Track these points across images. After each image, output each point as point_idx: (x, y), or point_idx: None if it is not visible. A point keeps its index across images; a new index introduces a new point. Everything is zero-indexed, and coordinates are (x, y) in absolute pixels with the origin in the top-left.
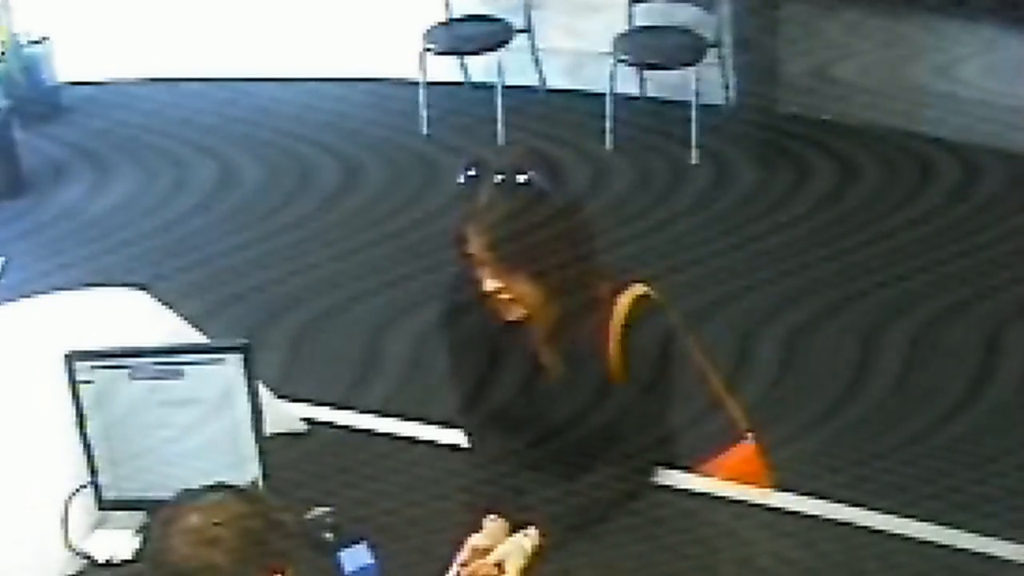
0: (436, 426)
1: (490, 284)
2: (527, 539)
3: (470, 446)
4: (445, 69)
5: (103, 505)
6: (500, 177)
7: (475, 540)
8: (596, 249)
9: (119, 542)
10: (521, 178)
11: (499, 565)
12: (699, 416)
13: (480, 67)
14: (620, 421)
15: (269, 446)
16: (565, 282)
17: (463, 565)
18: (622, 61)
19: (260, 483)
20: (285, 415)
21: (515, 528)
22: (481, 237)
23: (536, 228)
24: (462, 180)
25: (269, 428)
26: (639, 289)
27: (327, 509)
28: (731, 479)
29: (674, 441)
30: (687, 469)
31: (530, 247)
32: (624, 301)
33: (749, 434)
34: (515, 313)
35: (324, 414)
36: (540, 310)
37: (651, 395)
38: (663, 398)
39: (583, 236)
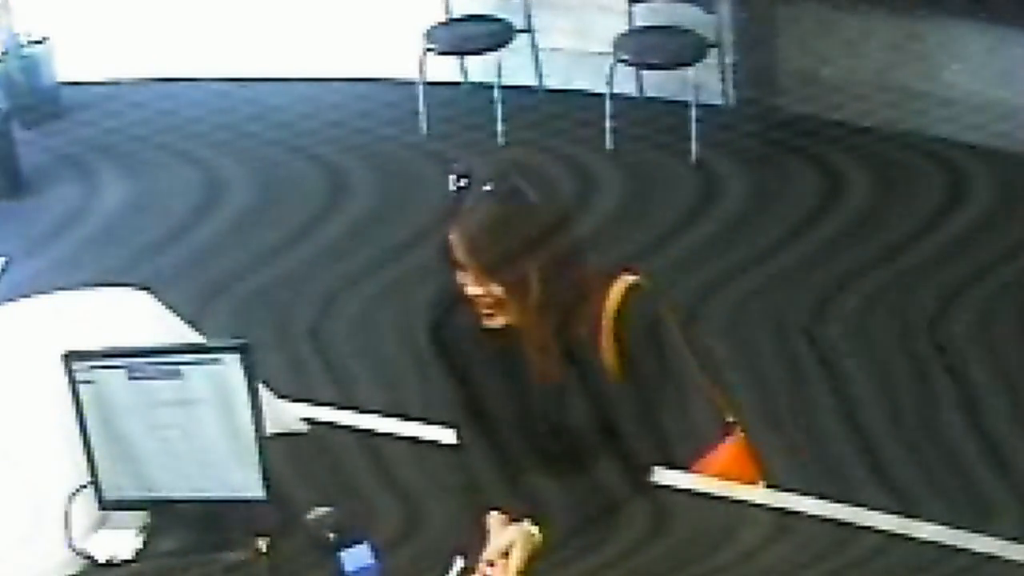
0: (436, 426)
1: (473, 292)
2: (531, 528)
3: (462, 450)
4: (445, 69)
5: (104, 505)
6: (487, 187)
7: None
8: (582, 255)
9: (120, 542)
10: (506, 188)
11: (505, 553)
12: (691, 411)
13: (480, 67)
14: (617, 415)
15: (269, 446)
16: (549, 292)
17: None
18: (622, 61)
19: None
20: (285, 415)
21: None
22: (465, 246)
23: (520, 238)
24: (452, 189)
25: (269, 428)
26: (629, 278)
27: (327, 509)
28: (722, 475)
29: (671, 433)
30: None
31: (514, 257)
32: (615, 291)
33: (736, 429)
34: (498, 321)
35: (324, 414)
36: (524, 318)
37: (647, 385)
38: (659, 387)
39: (568, 245)
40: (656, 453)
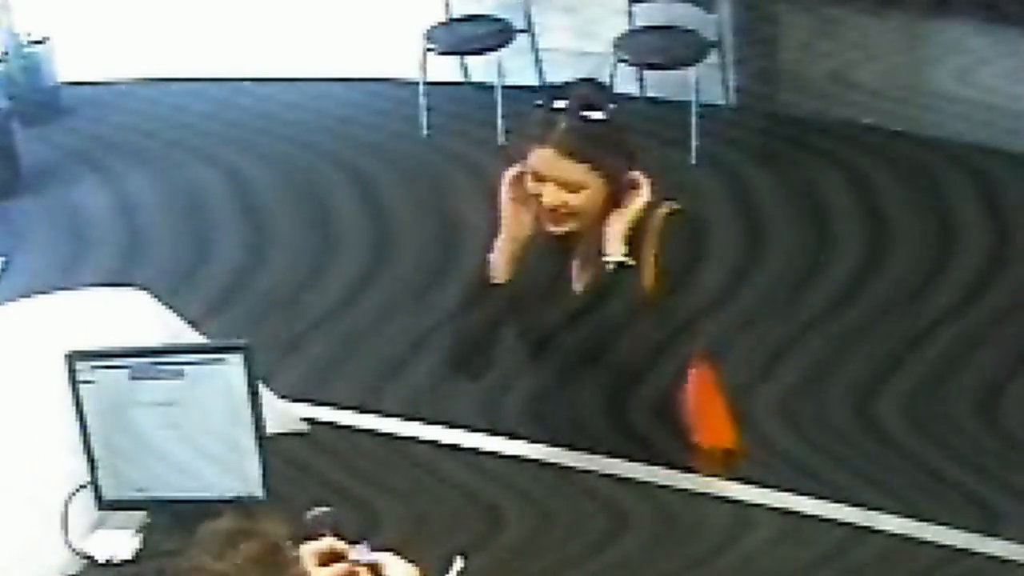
0: (437, 426)
1: (549, 202)
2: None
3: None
4: (445, 69)
5: (103, 505)
6: (575, 104)
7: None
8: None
9: (119, 542)
10: (590, 108)
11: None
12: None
13: (480, 67)
14: (653, 329)
15: (270, 446)
16: (618, 193)
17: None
18: (622, 61)
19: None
20: (286, 415)
21: None
22: (559, 154)
23: (606, 147)
24: (538, 104)
25: (270, 428)
26: (670, 204)
27: (327, 509)
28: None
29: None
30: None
31: (596, 162)
32: (658, 216)
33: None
34: (564, 228)
35: (325, 414)
36: (593, 219)
37: (676, 303)
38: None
39: (634, 154)
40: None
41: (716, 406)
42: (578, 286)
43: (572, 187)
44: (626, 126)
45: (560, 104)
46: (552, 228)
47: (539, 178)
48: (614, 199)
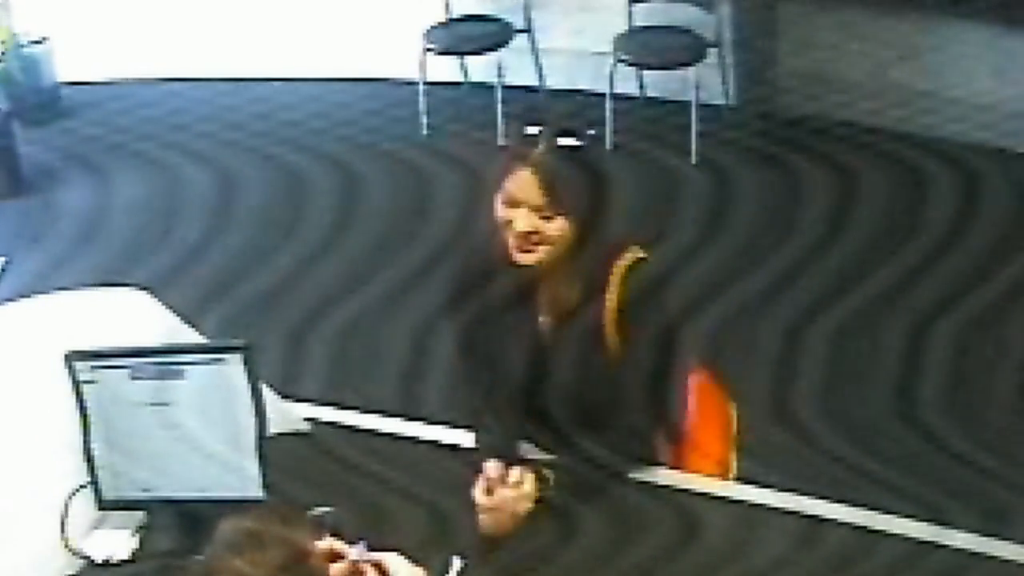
0: (437, 426)
1: (522, 228)
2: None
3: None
4: (445, 69)
5: (103, 505)
6: (552, 132)
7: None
8: (614, 208)
9: (118, 542)
10: (568, 138)
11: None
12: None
13: (480, 67)
14: (621, 379)
15: (271, 446)
16: (589, 230)
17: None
18: (622, 61)
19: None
20: (288, 415)
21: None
22: (535, 178)
23: (579, 175)
24: (524, 134)
25: (272, 428)
26: (638, 252)
27: (327, 509)
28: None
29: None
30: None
31: (572, 191)
32: (624, 260)
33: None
34: (533, 258)
35: (326, 414)
36: (562, 253)
37: (649, 354)
38: (661, 358)
39: (608, 193)
40: (654, 426)
41: (714, 429)
42: (546, 335)
43: (545, 214)
44: (602, 166)
45: (538, 129)
46: (520, 258)
47: (513, 203)
48: (577, 248)
